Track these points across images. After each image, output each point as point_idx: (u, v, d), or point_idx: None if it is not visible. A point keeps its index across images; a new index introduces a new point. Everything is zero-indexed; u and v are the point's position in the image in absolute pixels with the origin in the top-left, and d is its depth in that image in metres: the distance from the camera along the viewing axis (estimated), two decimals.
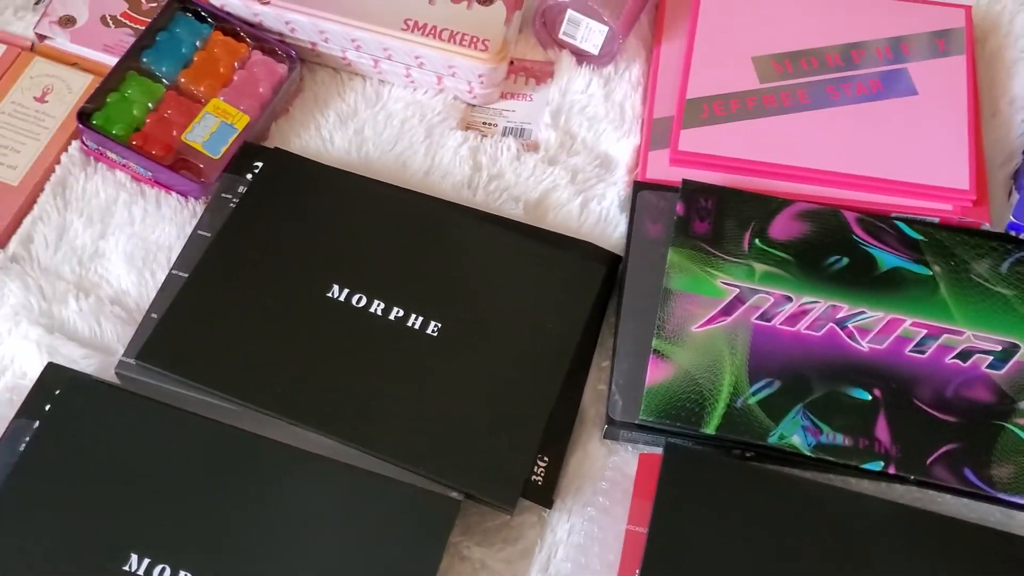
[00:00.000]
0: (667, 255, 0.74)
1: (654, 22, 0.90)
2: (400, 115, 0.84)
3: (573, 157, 0.83)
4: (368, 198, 0.76)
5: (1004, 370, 0.70)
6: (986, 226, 0.79)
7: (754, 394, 0.68)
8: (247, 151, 0.78)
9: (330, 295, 0.70)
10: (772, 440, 0.67)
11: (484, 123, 0.86)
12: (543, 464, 0.67)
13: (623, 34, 0.85)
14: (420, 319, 0.70)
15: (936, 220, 0.79)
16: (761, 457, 0.69)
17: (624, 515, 0.66)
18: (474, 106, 0.86)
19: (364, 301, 0.70)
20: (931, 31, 0.86)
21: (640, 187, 0.80)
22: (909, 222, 0.77)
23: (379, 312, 0.70)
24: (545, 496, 0.67)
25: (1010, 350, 0.71)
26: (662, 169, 0.81)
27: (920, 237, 0.76)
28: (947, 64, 0.85)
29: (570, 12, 0.85)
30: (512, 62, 0.88)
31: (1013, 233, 0.80)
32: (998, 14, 0.90)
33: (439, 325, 0.70)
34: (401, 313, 0.70)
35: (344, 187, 0.76)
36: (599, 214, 0.81)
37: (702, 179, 0.79)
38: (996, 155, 0.84)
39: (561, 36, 0.87)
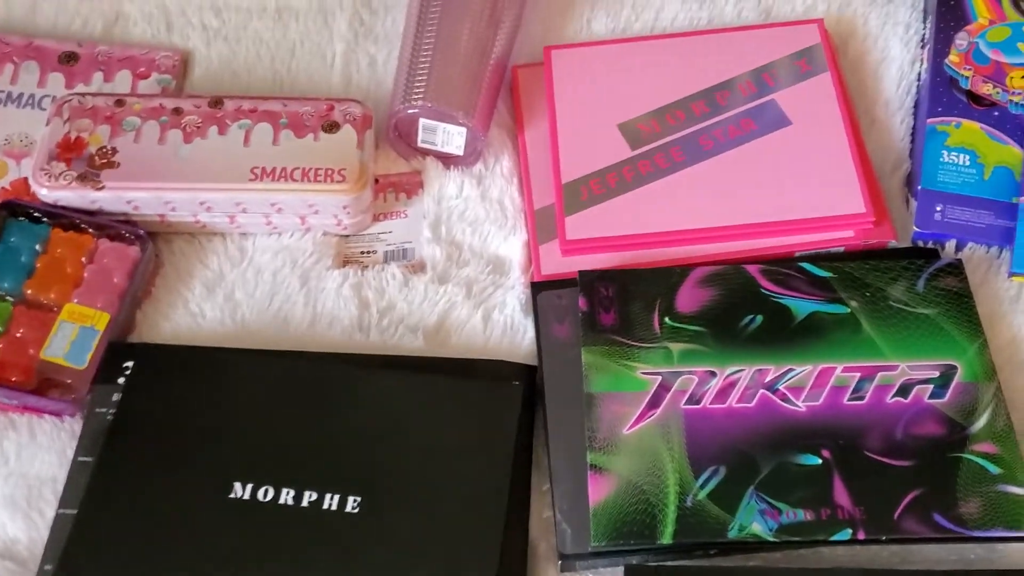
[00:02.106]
0: (581, 357, 0.70)
1: (512, 108, 0.86)
2: (270, 267, 0.78)
3: (463, 268, 0.79)
4: (249, 374, 0.70)
5: (947, 396, 0.67)
6: (892, 243, 0.77)
7: (702, 487, 0.64)
8: (114, 352, 0.72)
9: (233, 495, 0.64)
10: (732, 534, 0.63)
11: (362, 252, 0.81)
12: None
13: (482, 130, 0.81)
14: (336, 497, 0.64)
15: (841, 249, 0.77)
16: (726, 551, 0.65)
17: None
18: (348, 236, 0.82)
19: (271, 493, 0.65)
20: (790, 54, 0.84)
21: (538, 288, 0.75)
22: (815, 260, 0.74)
23: (290, 501, 0.64)
24: None
25: (948, 373, 0.68)
26: (556, 262, 0.77)
27: (828, 274, 0.73)
28: (813, 85, 0.82)
29: (423, 121, 0.81)
30: (377, 180, 0.84)
31: (921, 243, 0.77)
32: (851, 18, 0.89)
33: (358, 499, 0.64)
34: (315, 496, 0.64)
35: (222, 368, 0.71)
36: (504, 324, 0.76)
37: (599, 264, 0.76)
38: (884, 163, 0.82)
39: (421, 144, 0.83)
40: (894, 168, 0.82)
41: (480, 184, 0.83)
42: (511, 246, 0.80)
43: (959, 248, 0.77)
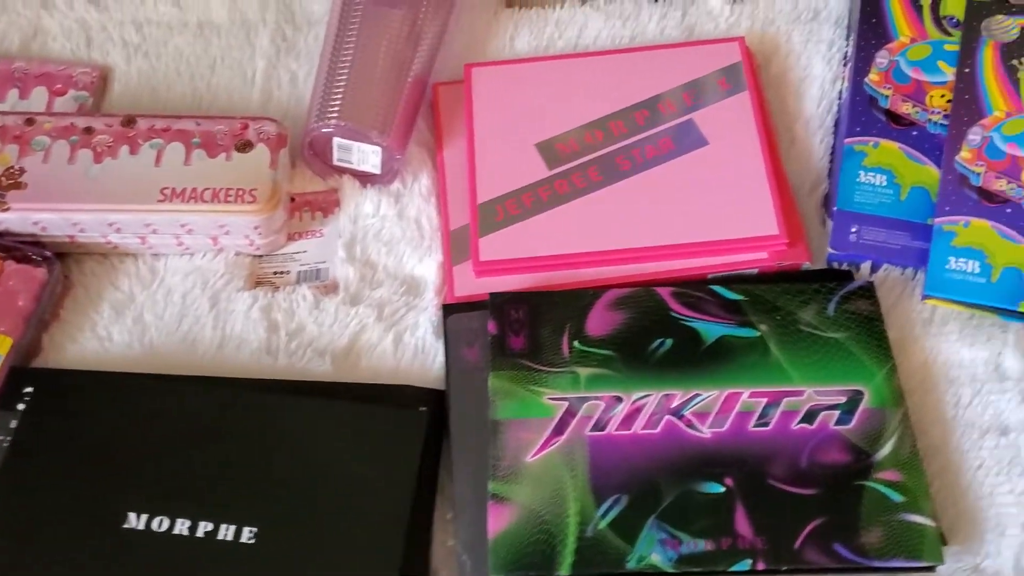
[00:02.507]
0: (488, 381, 0.69)
1: (432, 126, 0.85)
2: (180, 288, 0.77)
3: (377, 290, 0.78)
4: (150, 401, 0.69)
5: (853, 423, 0.67)
6: (807, 265, 0.76)
7: (603, 516, 0.64)
8: (15, 378, 0.70)
9: (128, 526, 0.63)
10: (631, 565, 0.62)
11: (275, 273, 0.80)
12: None
13: (399, 149, 0.80)
14: (232, 528, 0.63)
15: (755, 271, 0.76)
16: None
17: None
18: (261, 256, 0.81)
19: (167, 523, 0.63)
20: (710, 72, 0.83)
21: (449, 310, 0.75)
22: (727, 282, 0.74)
23: (185, 532, 0.63)
24: None
25: (855, 398, 0.68)
26: (470, 284, 0.76)
27: (740, 297, 0.72)
28: (732, 104, 0.82)
29: (337, 140, 0.80)
30: (293, 199, 0.82)
31: (836, 264, 0.77)
32: (774, 35, 0.88)
33: (254, 530, 0.63)
34: (210, 527, 0.63)
35: (122, 395, 0.69)
36: (415, 347, 0.75)
37: (513, 286, 0.75)
38: (803, 182, 0.81)
39: (337, 163, 0.82)
40: (812, 188, 0.81)
41: (398, 203, 0.82)
42: (426, 267, 0.79)
43: (874, 269, 0.76)
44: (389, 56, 0.82)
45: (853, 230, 0.76)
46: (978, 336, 0.72)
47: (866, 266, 0.76)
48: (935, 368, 0.71)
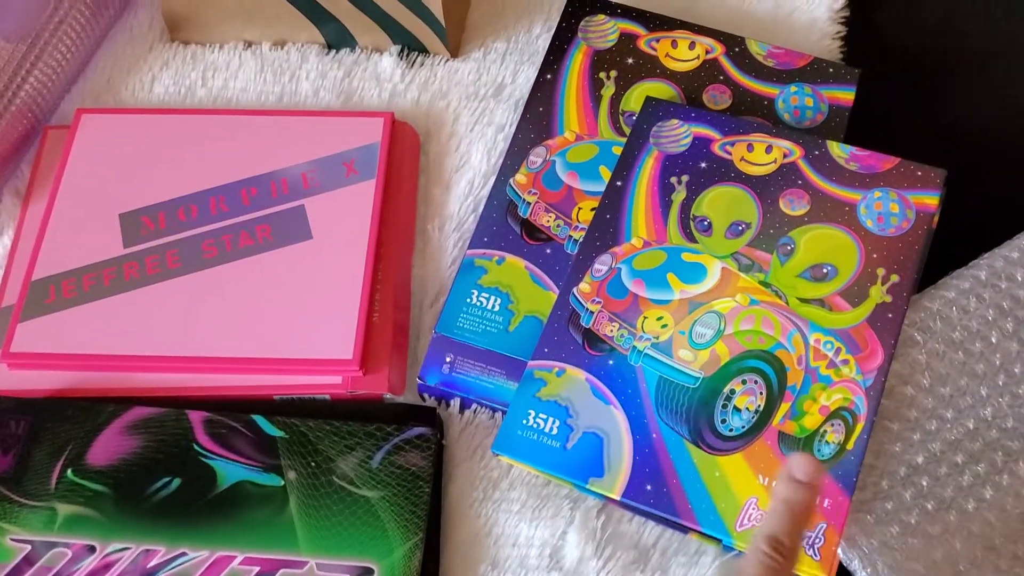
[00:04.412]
0: None
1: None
2: None
3: None
4: None
5: None
6: (389, 396, 0.66)
7: None
8: None
9: None
10: None
11: None
12: None
13: None
14: None
15: (327, 397, 0.66)
16: None
17: None
18: None
19: None
20: (340, 151, 0.72)
21: None
22: (273, 415, 0.63)
23: None
24: None
25: None
26: (4, 378, 0.66)
27: (281, 434, 0.62)
28: (353, 193, 0.71)
29: None
30: None
31: (425, 397, 0.67)
32: (441, 111, 0.76)
33: None
34: None
35: None
36: None
37: (51, 385, 0.65)
38: (426, 293, 0.70)
39: None
40: (433, 301, 0.70)
41: None
42: None
43: (464, 408, 0.66)
44: None
45: (448, 359, 0.66)
46: (545, 509, 0.62)
47: (456, 404, 0.66)
48: (484, 543, 0.61)
